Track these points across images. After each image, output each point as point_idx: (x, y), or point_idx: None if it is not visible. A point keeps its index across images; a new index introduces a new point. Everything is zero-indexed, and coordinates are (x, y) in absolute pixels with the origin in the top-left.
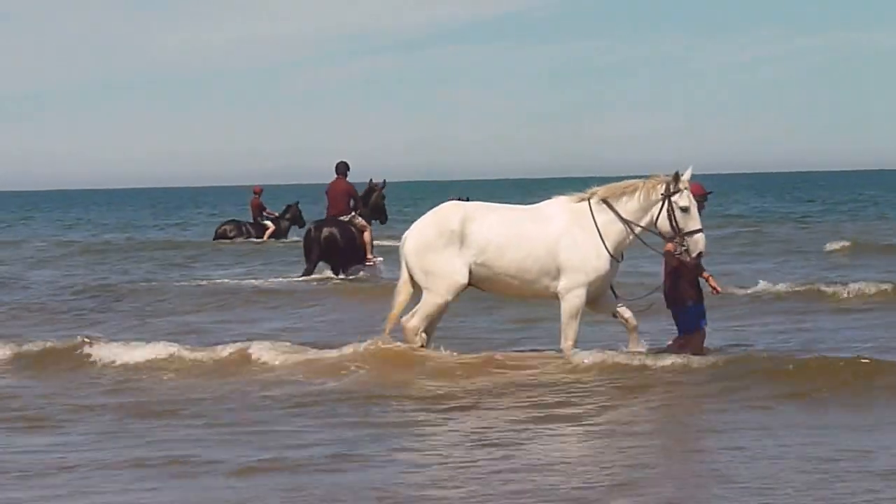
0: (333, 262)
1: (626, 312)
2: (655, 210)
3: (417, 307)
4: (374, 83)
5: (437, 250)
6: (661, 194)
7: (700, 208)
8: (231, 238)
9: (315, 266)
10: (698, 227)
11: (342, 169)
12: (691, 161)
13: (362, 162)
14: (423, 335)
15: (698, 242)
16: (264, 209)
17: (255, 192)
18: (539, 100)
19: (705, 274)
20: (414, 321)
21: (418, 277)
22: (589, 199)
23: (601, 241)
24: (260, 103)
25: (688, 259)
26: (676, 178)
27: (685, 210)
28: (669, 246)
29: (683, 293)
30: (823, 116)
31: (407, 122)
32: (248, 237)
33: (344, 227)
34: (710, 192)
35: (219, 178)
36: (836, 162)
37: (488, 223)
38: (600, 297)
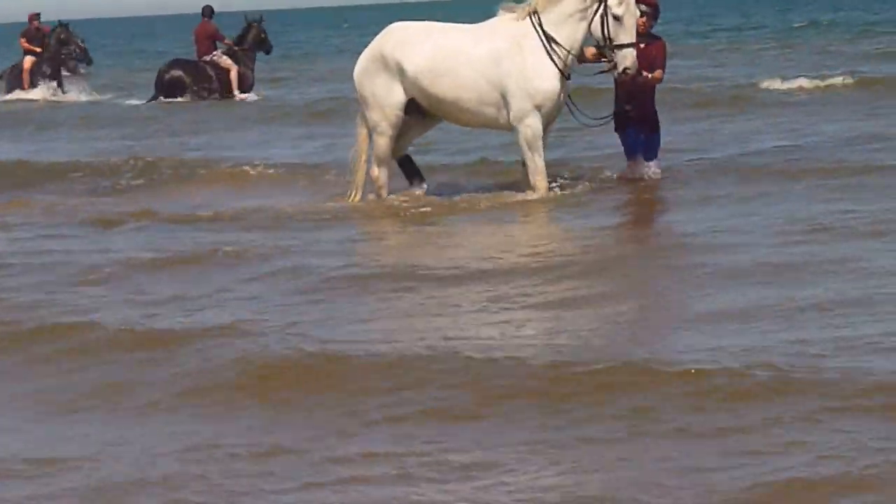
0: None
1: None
2: (590, 14)
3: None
4: None
5: (372, 77)
6: None
7: (651, 19)
8: None
9: (155, 99)
10: (629, 40)
11: (207, 12)
12: None
13: None
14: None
15: (626, 58)
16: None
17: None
18: None
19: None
20: (374, 169)
21: (363, 109)
22: (530, 14)
23: (547, 60)
24: None
25: (616, 75)
26: None
27: (617, 19)
28: (590, 52)
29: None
30: None
31: None
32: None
33: (197, 67)
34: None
35: None
36: None
37: (423, 48)
38: (551, 122)
